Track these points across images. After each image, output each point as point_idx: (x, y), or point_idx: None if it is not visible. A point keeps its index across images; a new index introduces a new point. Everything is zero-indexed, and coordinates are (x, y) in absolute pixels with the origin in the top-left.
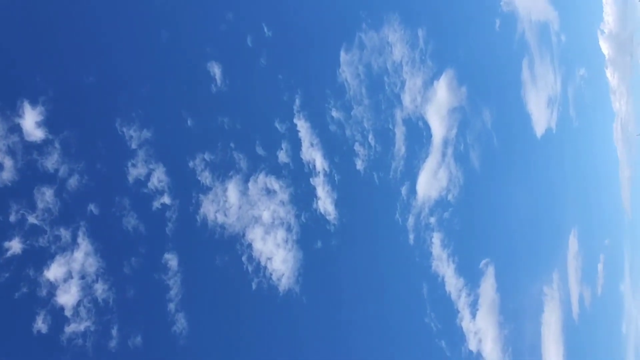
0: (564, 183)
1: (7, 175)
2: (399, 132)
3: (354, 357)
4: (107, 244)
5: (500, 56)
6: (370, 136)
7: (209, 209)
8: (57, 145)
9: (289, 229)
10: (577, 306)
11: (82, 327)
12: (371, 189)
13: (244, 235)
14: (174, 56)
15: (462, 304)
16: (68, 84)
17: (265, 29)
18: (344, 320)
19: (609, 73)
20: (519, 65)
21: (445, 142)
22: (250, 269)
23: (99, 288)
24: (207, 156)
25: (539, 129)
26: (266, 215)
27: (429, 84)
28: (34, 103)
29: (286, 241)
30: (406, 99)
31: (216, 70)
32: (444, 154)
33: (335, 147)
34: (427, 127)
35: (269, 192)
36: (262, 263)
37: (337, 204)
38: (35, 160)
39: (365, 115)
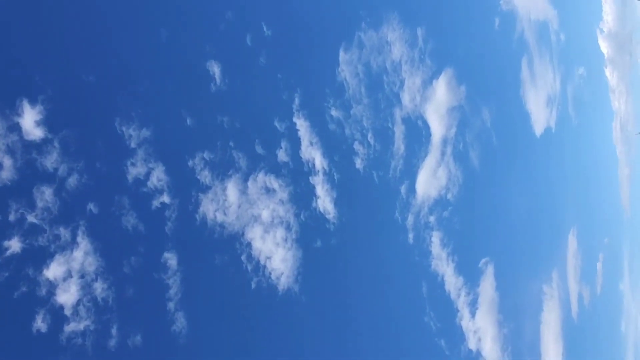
0: (563, 182)
1: (7, 174)
2: (398, 131)
3: (353, 356)
4: (107, 243)
5: (499, 55)
6: (370, 135)
7: (208, 208)
8: (56, 144)
9: (288, 228)
10: (576, 305)
11: (81, 326)
12: (370, 188)
13: (243, 234)
14: (174, 55)
15: (461, 302)
16: (67, 83)
17: (265, 28)
18: (343, 319)
19: (608, 72)
20: (518, 64)
21: (445, 141)
22: (249, 268)
23: (99, 287)
24: (206, 155)
25: (538, 128)
26: (265, 214)
27: (428, 83)
28: (33, 102)
29: (285, 240)
30: (405, 98)
31: (215, 69)
32: (443, 153)
33: (335, 146)
34: (427, 126)
35: (269, 191)
36: (262, 262)
37: (337, 203)
38: (34, 159)
39: (365, 114)
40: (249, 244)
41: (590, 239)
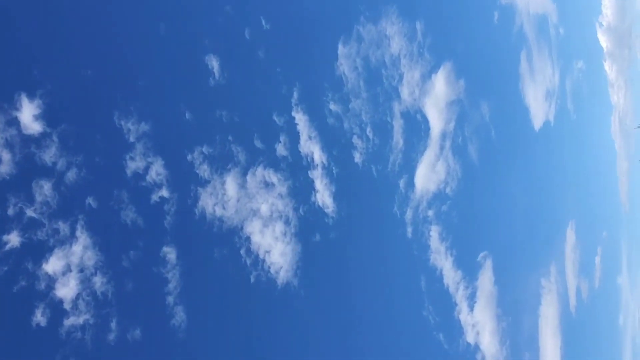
0: (561, 176)
1: (5, 168)
2: (397, 125)
3: (352, 350)
4: (106, 237)
5: (498, 49)
6: (369, 129)
7: (207, 202)
8: (55, 138)
9: (287, 222)
10: (574, 299)
11: (81, 320)
12: (369, 182)
13: (242, 228)
14: (172, 49)
15: (460, 296)
16: (66, 77)
17: (263, 22)
18: (342, 313)
19: (607, 66)
20: (517, 58)
21: (444, 135)
22: (248, 262)
23: (98, 281)
24: (205, 149)
25: (537, 122)
26: (264, 208)
27: (427, 77)
28: (31, 96)
29: (284, 234)
30: (404, 92)
31: (214, 63)
32: (442, 147)
33: (334, 140)
34: (425, 120)
35: (267, 185)
36: (261, 256)
37: (336, 197)
38: (33, 153)
39: (364, 108)
40: (248, 238)
41: (589, 233)
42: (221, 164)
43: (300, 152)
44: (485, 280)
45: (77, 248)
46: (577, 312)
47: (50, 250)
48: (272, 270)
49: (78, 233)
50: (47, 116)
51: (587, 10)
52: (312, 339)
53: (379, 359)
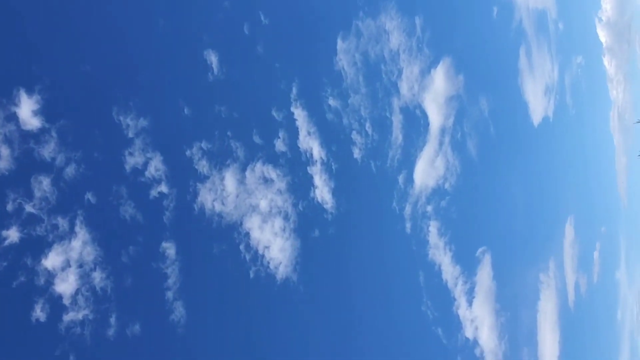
0: (560, 171)
1: (4, 164)
2: (396, 120)
3: (351, 346)
4: (105, 232)
5: (497, 44)
6: (368, 125)
7: (206, 197)
8: (53, 134)
9: (286, 218)
10: (573, 294)
11: (80, 316)
12: (368, 178)
13: (241, 224)
14: (171, 44)
15: (458, 291)
16: (64, 72)
17: (262, 17)
18: (341, 308)
19: (606, 61)
20: (516, 53)
21: (443, 131)
22: (247, 257)
23: (97, 276)
24: (204, 145)
25: (536, 117)
26: (263, 204)
27: (426, 72)
28: (30, 92)
29: (284, 230)
30: (403, 87)
31: (213, 58)
32: (441, 143)
33: (333, 136)
34: (425, 116)
35: (266, 180)
36: (260, 252)
37: (335, 193)
38: (32, 149)
39: (363, 104)
40: (247, 234)
41: (588, 228)
42: (220, 159)
43: (299, 147)
44: (484, 275)
45: (76, 243)
46: (575, 307)
47: (49, 246)
48: (271, 266)
49: (77, 228)
50: (45, 112)
51: (587, 5)
52: (312, 334)
53: (378, 354)
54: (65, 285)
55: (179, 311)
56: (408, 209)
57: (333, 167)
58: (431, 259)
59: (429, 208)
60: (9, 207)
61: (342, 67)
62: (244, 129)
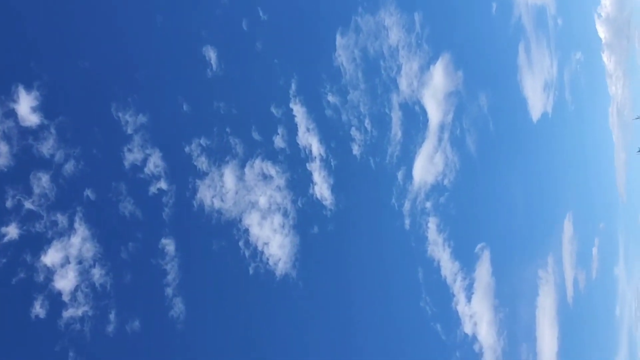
0: (559, 167)
1: (3, 160)
2: (396, 116)
3: (350, 341)
4: (104, 229)
5: (496, 40)
6: (367, 121)
7: (205, 194)
8: (52, 130)
9: (285, 214)
10: (571, 289)
11: (79, 312)
12: (367, 174)
13: (240, 220)
14: (170, 41)
15: (457, 287)
16: (63, 68)
17: (261, 13)
18: (340, 305)
19: (605, 57)
20: (515, 49)
21: (442, 127)
22: (247, 254)
23: (97, 273)
24: (203, 141)
25: (535, 113)
26: (263, 201)
27: (425, 68)
28: (28, 88)
29: (283, 226)
30: (402, 83)
31: (212, 54)
32: (440, 139)
33: (332, 132)
34: (424, 112)
35: (266, 177)
36: (259, 248)
37: (334, 189)
38: (30, 145)
39: (362, 100)
40: (246, 230)
41: (586, 224)
42: (219, 156)
43: (298, 144)
44: (483, 271)
45: (75, 240)
46: (574, 302)
47: (48, 242)
48: (270, 262)
49: (76, 225)
50: (44, 108)
51: (586, 1)
52: (311, 330)
53: (377, 350)
54: (65, 282)
55: (178, 307)
56: (407, 205)
57: (332, 164)
58: (430, 255)
59: (428, 204)
60: (8, 203)
61: (341, 63)
62: (243, 126)
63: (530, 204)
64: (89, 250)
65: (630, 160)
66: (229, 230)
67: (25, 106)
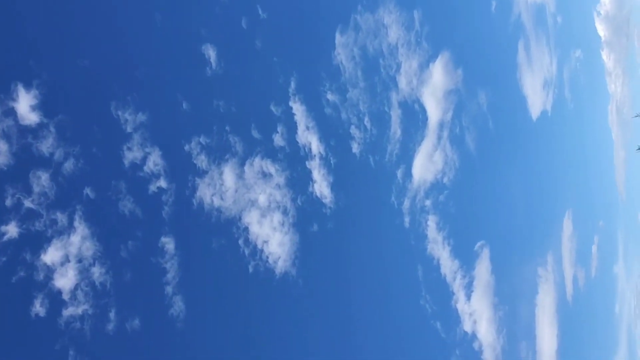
0: (559, 165)
1: (2, 159)
2: (395, 115)
3: (349, 339)
4: (104, 227)
5: (496, 38)
6: (366, 119)
7: (205, 192)
8: (52, 129)
9: (285, 213)
10: (571, 287)
11: (80, 311)
12: (367, 172)
13: (240, 218)
14: (169, 39)
15: (457, 285)
16: (62, 67)
17: (260, 11)
18: (339, 303)
19: (604, 55)
20: (514, 47)
21: (441, 125)
22: (246, 252)
23: (96, 271)
24: (202, 139)
25: (535, 111)
26: (262, 199)
27: (424, 66)
28: (28, 87)
29: (282, 224)
30: (402, 81)
31: (211, 52)
32: (439, 137)
33: (331, 130)
34: (423, 110)
35: (265, 175)
36: (259, 246)
37: (333, 187)
38: (30, 144)
39: (361, 98)
40: (246, 229)
41: (586, 222)
42: (219, 154)
43: (297, 142)
44: (483, 269)
45: (75, 238)
46: (573, 300)
47: (48, 241)
48: (270, 260)
49: (76, 223)
50: (44, 107)
51: None
52: (311, 328)
53: (377, 348)
54: (65, 280)
55: (178, 306)
56: (406, 204)
57: (332, 162)
58: (430, 253)
59: (428, 202)
60: (8, 202)
61: (341, 61)
62: (242, 124)
63: (529, 202)
64: (89, 248)
65: (629, 158)
66: (228, 229)
67: (25, 105)
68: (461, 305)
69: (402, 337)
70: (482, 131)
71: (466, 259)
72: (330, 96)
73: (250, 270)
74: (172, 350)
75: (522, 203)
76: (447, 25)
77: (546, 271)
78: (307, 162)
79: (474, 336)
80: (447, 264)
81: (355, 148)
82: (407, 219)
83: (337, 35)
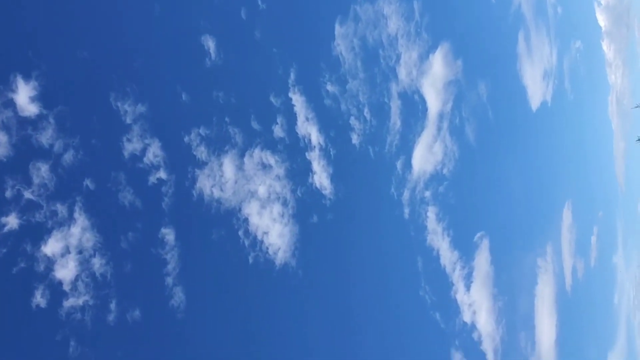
0: (558, 156)
1: (2, 150)
2: (395, 105)
3: (349, 331)
4: (104, 219)
5: (496, 29)
6: (366, 110)
7: (205, 183)
8: (51, 120)
9: (285, 204)
10: (570, 278)
11: (80, 302)
12: (367, 163)
13: (240, 209)
14: (168, 30)
15: (456, 276)
16: (61, 58)
17: (260, 2)
18: (339, 294)
19: (605, 45)
20: (514, 37)
21: (441, 116)
22: (246, 243)
23: (97, 263)
24: (202, 131)
25: (535, 102)
26: (262, 190)
27: (424, 57)
28: (27, 78)
29: (282, 215)
30: (402, 72)
31: (210, 43)
32: (439, 128)
33: (331, 122)
34: (423, 101)
35: (265, 166)
36: (259, 237)
37: (333, 179)
38: (29, 135)
39: (361, 89)
40: (245, 220)
41: (585, 213)
42: (218, 145)
43: (297, 133)
44: (482, 260)
45: (75, 230)
46: (572, 291)
47: (48, 232)
48: (270, 251)
49: (76, 215)
50: (43, 98)
51: None
52: (310, 319)
53: (377, 339)
54: (65, 272)
55: (178, 296)
56: (406, 195)
57: (331, 153)
58: (429, 244)
59: (427, 193)
60: (8, 193)
61: (340, 52)
62: (242, 115)
63: (529, 193)
64: (89, 240)
65: (629, 149)
66: (228, 220)
67: (24, 96)
68: (461, 295)
69: (401, 327)
70: (481, 122)
71: (466, 249)
72: (329, 87)
73: (250, 261)
74: (173, 341)
75: (521, 194)
76: (447, 16)
77: (545, 262)
78: (306, 153)
79: (473, 326)
80: (447, 255)
81: (355, 139)
82: (406, 210)
83: (337, 26)
